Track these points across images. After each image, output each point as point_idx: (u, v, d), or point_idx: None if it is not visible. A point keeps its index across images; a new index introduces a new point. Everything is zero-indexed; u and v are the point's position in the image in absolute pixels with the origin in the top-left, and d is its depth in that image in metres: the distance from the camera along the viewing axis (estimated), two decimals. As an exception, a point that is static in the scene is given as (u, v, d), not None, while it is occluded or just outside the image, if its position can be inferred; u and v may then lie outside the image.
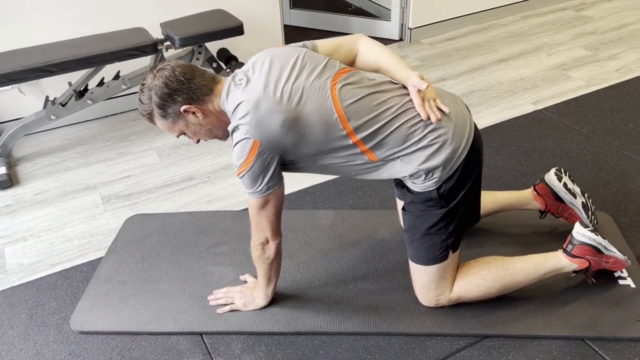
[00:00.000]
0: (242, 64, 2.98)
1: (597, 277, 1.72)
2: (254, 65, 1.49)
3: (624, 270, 1.77)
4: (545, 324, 1.62)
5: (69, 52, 2.53)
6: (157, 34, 2.79)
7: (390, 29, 3.85)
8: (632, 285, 1.73)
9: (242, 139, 1.41)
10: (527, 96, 2.98)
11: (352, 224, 2.08)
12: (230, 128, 1.45)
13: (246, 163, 1.41)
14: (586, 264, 1.63)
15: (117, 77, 2.77)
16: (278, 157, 1.44)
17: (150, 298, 1.80)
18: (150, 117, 1.50)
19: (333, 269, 1.87)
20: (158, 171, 2.54)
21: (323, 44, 1.58)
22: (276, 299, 1.74)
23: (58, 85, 2.80)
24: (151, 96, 1.45)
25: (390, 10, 3.79)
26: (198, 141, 1.58)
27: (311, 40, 1.59)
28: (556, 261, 1.64)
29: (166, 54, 2.82)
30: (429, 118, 1.45)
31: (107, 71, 2.72)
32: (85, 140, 2.84)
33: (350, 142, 1.46)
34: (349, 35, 1.61)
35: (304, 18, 4.15)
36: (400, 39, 3.85)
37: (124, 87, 2.76)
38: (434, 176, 1.48)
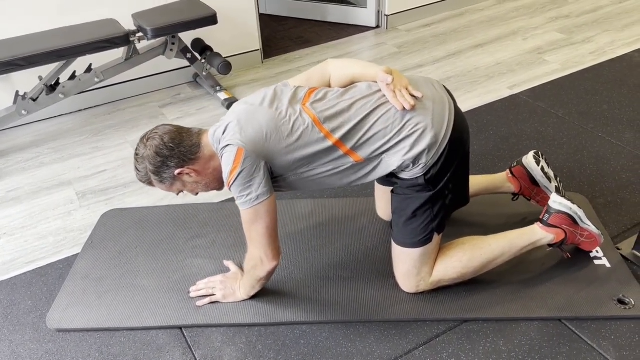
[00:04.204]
0: (217, 54, 2.94)
1: (573, 258, 1.74)
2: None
3: (599, 250, 1.80)
4: (523, 306, 1.64)
5: (38, 45, 2.48)
6: (129, 25, 2.74)
7: (366, 16, 3.83)
8: (608, 265, 1.76)
9: (227, 145, 1.46)
10: (504, 81, 3.00)
11: (331, 213, 2.07)
12: (219, 151, 1.51)
13: (233, 170, 1.44)
14: (562, 235, 1.65)
15: (89, 70, 2.71)
16: (265, 165, 1.46)
17: (128, 293, 1.78)
18: (149, 183, 1.60)
19: (313, 259, 1.87)
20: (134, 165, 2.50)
21: (294, 80, 1.64)
22: (256, 290, 1.74)
23: (28, 80, 2.73)
24: (146, 165, 1.55)
25: (366, -3, 3.78)
26: (197, 193, 1.65)
27: (282, 82, 1.64)
28: (532, 234, 1.66)
29: (139, 46, 2.77)
30: (404, 108, 1.46)
31: (79, 64, 2.67)
32: (59, 136, 2.79)
33: (331, 143, 1.48)
34: (317, 65, 1.66)
35: (279, 6, 4.11)
36: (377, 26, 3.84)
37: (96, 80, 2.71)
38: (420, 162, 1.49)
